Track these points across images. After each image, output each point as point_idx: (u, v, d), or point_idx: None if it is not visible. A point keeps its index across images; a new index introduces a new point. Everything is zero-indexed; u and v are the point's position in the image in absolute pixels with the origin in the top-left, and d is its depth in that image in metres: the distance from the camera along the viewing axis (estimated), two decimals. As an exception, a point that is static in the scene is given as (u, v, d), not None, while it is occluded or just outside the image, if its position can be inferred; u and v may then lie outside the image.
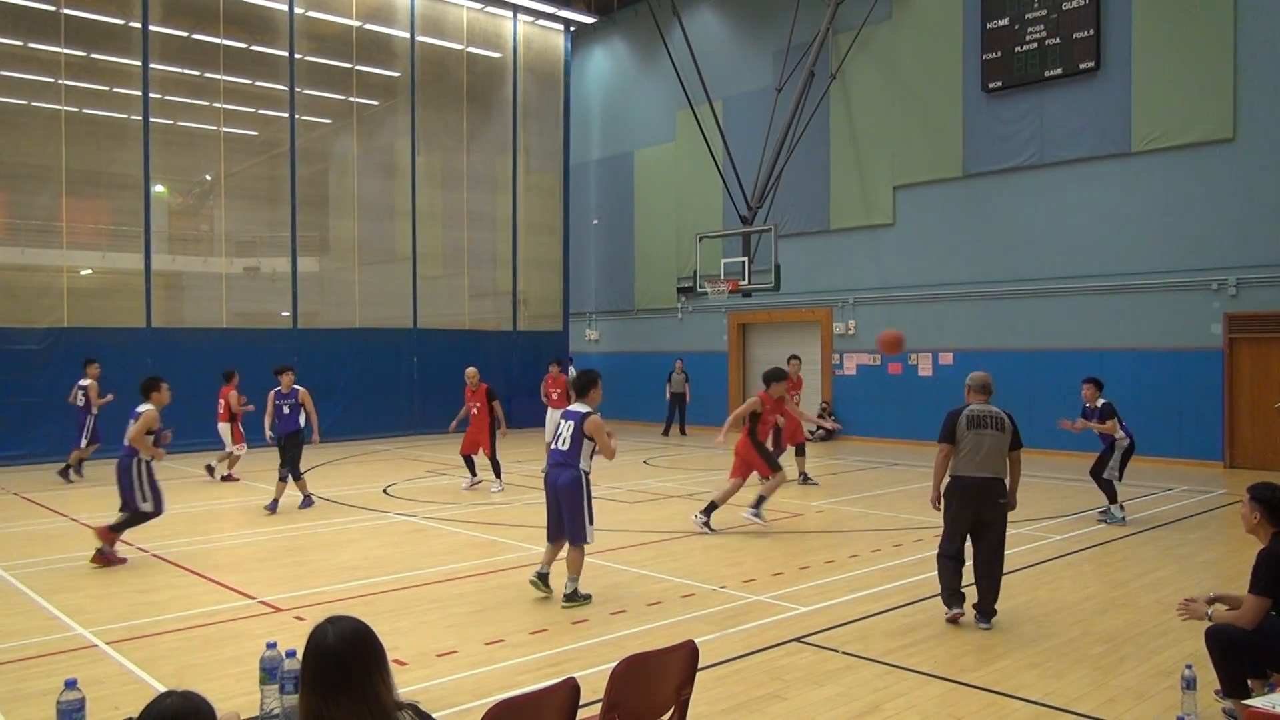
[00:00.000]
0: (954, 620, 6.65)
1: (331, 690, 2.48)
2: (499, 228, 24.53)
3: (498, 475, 13.63)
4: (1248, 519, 4.90)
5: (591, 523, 7.30)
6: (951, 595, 6.72)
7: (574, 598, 7.23)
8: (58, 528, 10.94)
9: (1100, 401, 10.96)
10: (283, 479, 11.89)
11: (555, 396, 15.99)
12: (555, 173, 25.75)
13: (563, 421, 7.50)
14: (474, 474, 13.71)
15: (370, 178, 22.41)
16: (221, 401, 15.14)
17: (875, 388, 20.34)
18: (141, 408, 9.24)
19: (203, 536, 10.26)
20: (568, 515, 7.27)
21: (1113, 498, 10.79)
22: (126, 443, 9.10)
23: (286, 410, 12.06)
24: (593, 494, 7.44)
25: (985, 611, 6.64)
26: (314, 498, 12.28)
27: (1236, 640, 4.69)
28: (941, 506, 6.99)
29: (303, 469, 12.21)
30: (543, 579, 7.48)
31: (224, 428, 15.09)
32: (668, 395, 22.46)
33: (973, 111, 18.48)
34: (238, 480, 14.87)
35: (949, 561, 6.80)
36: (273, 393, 12.20)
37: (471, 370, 14.03)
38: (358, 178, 22.09)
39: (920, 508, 11.68)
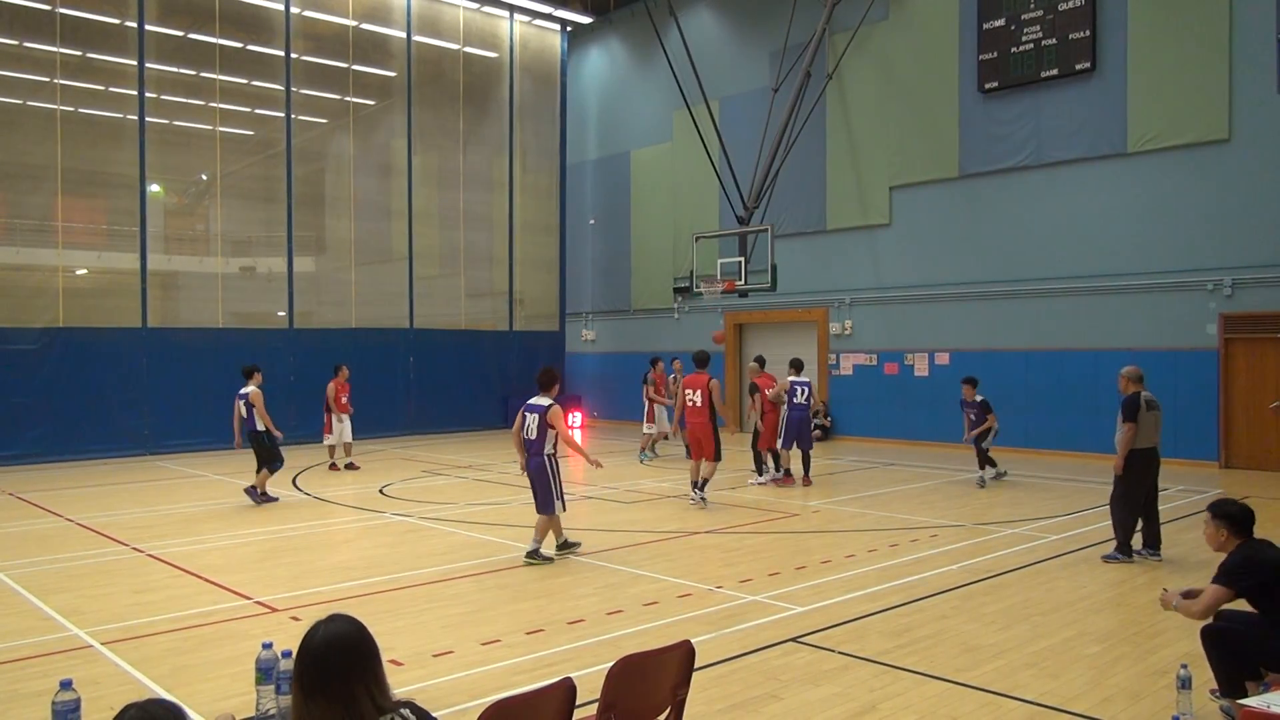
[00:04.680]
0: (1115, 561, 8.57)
1: (311, 689, 2.49)
2: (495, 228, 24.52)
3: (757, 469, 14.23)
4: (1214, 538, 5.02)
5: (559, 498, 8.72)
6: (1128, 549, 8.63)
7: (534, 556, 8.70)
8: (53, 528, 10.92)
9: (978, 398, 13.55)
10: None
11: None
12: (552, 173, 25.75)
13: (528, 414, 8.79)
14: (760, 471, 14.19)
15: (366, 177, 22.39)
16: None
17: (871, 388, 20.36)
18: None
19: (198, 536, 10.24)
20: (539, 493, 8.74)
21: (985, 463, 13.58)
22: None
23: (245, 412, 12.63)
24: (559, 473, 8.78)
25: (1157, 544, 8.68)
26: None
27: (1232, 639, 4.72)
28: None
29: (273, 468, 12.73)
30: (534, 554, 8.77)
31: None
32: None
33: (969, 112, 18.50)
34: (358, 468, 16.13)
35: (1132, 519, 8.69)
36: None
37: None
38: (354, 177, 22.07)
39: (916, 508, 11.70)
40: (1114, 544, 8.76)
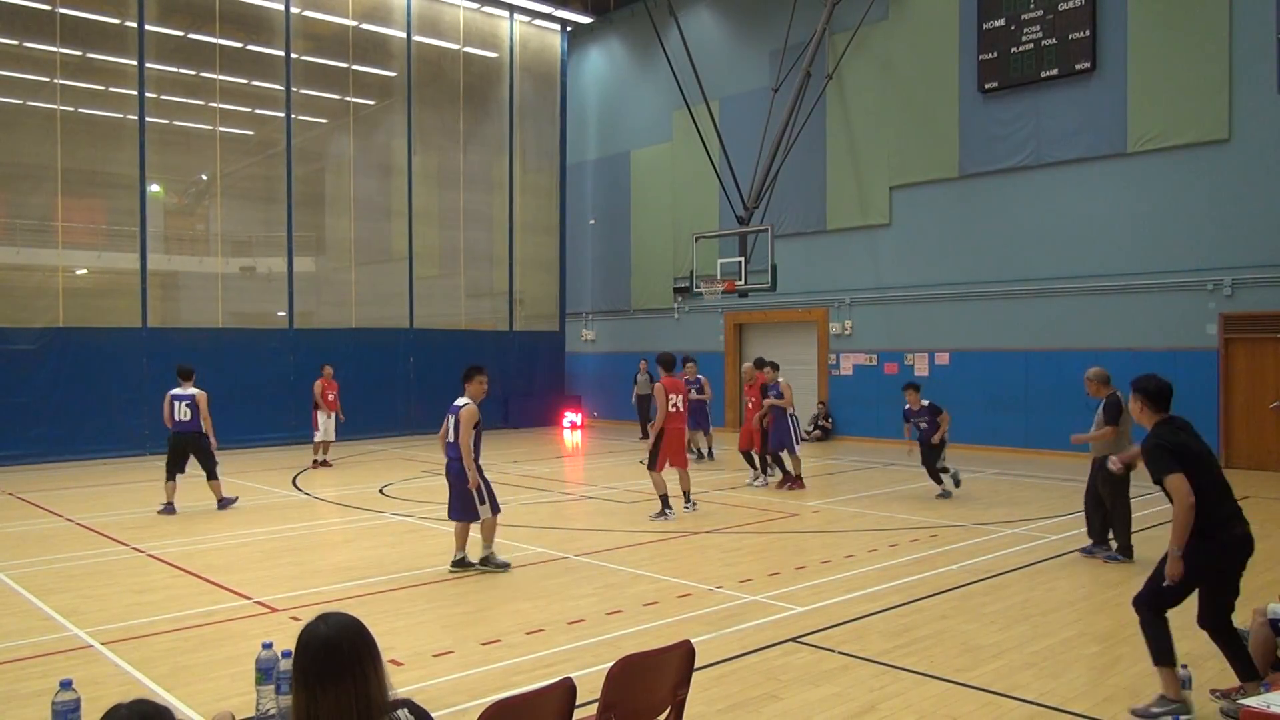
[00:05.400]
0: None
1: (321, 680, 2.45)
2: (495, 227, 24.53)
3: (762, 469, 13.91)
4: (1136, 412, 5.32)
5: (484, 502, 8.26)
6: (1129, 549, 8.66)
7: (487, 562, 8.38)
8: (53, 528, 10.92)
9: (925, 403, 12.50)
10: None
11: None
12: (552, 173, 25.75)
13: (449, 416, 8.35)
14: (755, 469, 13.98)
15: (367, 177, 22.40)
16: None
17: (871, 388, 20.35)
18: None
19: (198, 536, 10.24)
20: (462, 499, 8.27)
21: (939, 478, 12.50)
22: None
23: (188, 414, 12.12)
24: (481, 475, 8.30)
25: (1105, 539, 8.84)
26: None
27: (1159, 598, 4.88)
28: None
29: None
30: (459, 564, 8.41)
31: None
32: (634, 398, 21.49)
33: (969, 112, 18.50)
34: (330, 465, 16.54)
35: (1128, 515, 8.72)
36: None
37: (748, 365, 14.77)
38: (354, 177, 22.08)
39: (916, 508, 11.70)
40: (1115, 545, 8.77)
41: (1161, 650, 4.82)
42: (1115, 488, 8.69)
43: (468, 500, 8.24)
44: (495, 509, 8.38)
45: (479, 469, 8.30)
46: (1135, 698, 5.20)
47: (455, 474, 8.30)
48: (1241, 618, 6.15)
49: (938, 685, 5.44)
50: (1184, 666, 4.78)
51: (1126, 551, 8.64)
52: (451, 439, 8.27)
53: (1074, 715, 4.98)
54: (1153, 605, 4.90)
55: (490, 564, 8.37)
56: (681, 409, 11.43)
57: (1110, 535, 8.83)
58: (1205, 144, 15.60)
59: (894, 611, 6.99)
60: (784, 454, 13.43)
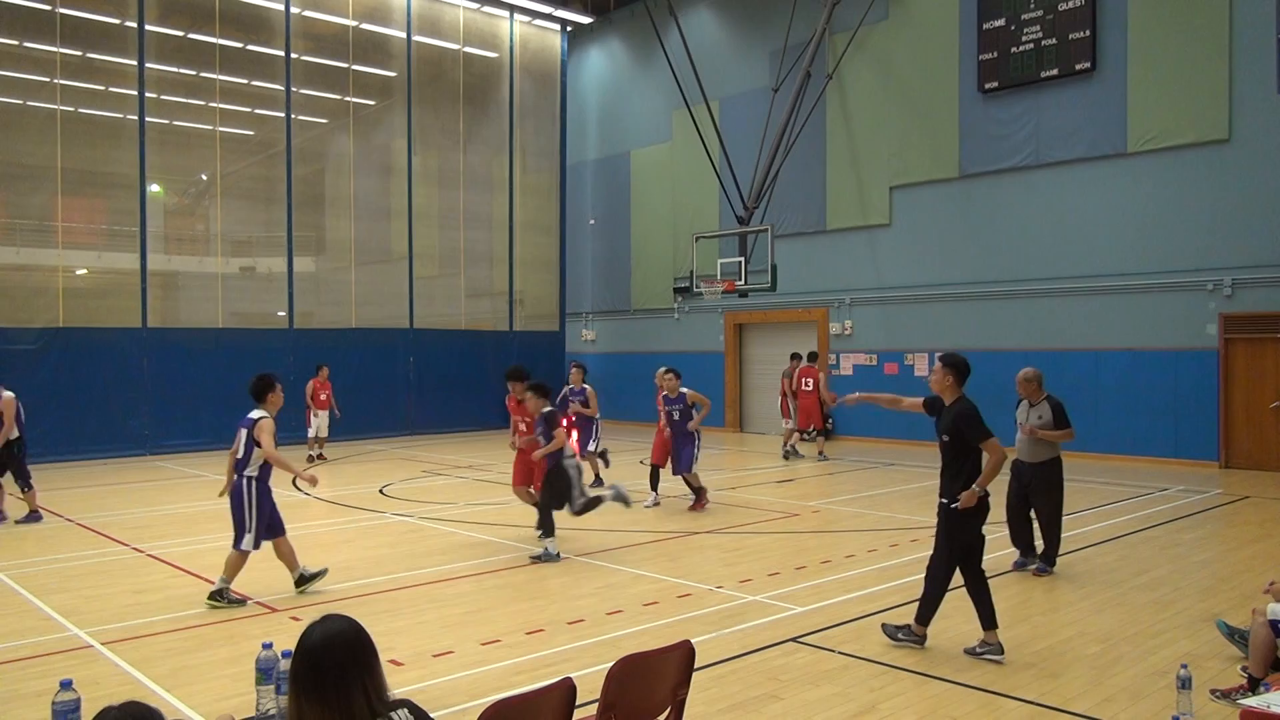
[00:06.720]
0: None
1: (305, 689, 2.46)
2: (495, 228, 24.53)
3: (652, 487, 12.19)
4: (940, 381, 6.06)
5: (250, 530, 7.35)
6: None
7: (219, 596, 7.27)
8: (53, 528, 10.92)
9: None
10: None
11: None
12: (552, 173, 25.75)
13: (240, 430, 7.44)
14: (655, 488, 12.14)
15: (367, 178, 22.40)
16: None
17: (871, 388, 20.32)
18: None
19: (198, 536, 10.24)
20: (234, 519, 7.45)
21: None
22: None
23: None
24: (260, 501, 7.40)
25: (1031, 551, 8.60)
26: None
27: (976, 550, 6.05)
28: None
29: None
30: (302, 580, 7.68)
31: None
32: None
33: (969, 112, 18.50)
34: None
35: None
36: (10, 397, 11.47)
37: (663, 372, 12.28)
38: (354, 178, 22.07)
39: (916, 508, 11.68)
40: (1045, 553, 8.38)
41: (990, 613, 5.82)
42: (1052, 490, 8.26)
43: (240, 525, 7.39)
44: (256, 544, 7.41)
45: (255, 490, 7.41)
46: (1136, 698, 5.20)
47: (233, 494, 7.44)
48: (1241, 618, 6.18)
49: (937, 685, 5.44)
50: (1184, 666, 4.78)
51: (1051, 560, 8.26)
52: (239, 455, 7.38)
53: (1074, 715, 4.98)
54: (974, 560, 6.02)
55: (223, 599, 7.28)
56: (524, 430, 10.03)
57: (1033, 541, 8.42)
58: (1205, 144, 15.60)
59: (894, 611, 6.99)
60: (688, 475, 11.59)
